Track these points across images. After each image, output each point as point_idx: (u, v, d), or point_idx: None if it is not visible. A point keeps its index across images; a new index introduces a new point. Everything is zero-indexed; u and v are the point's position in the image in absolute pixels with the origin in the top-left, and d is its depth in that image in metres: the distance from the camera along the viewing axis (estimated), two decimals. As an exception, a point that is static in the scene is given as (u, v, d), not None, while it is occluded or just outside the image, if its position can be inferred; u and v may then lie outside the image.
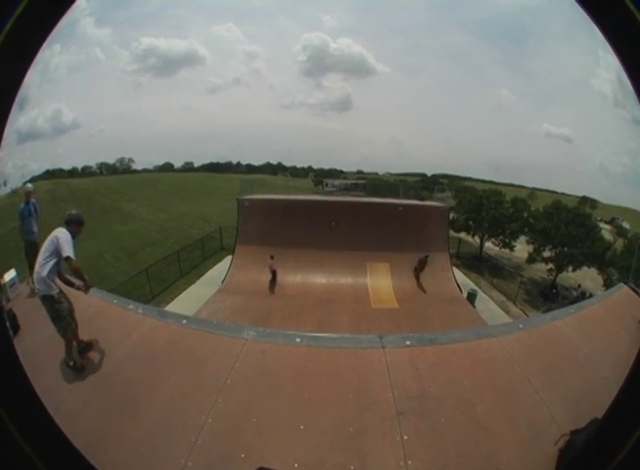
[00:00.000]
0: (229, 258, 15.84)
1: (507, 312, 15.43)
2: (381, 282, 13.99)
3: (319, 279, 14.03)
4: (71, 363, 4.54)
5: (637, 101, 1.92)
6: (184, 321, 5.24)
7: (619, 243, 20.50)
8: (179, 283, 16.62)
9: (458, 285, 14.84)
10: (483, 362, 4.79)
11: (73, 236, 4.51)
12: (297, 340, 4.81)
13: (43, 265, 4.40)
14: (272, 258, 13.88)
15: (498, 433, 3.95)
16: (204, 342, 4.85)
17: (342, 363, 4.58)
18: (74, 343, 4.64)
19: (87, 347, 4.77)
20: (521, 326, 5.56)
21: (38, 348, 4.64)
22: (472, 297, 14.57)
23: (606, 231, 22.72)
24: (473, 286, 16.01)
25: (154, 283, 15.82)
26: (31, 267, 6.26)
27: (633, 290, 7.28)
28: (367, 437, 3.80)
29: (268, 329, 5.15)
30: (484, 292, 16.32)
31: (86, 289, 4.54)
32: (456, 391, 4.36)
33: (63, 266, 4.62)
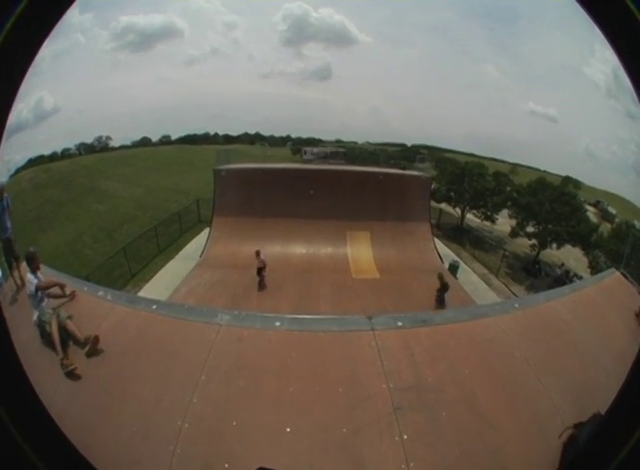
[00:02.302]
0: (207, 230, 15.44)
1: (489, 285, 15.38)
2: (361, 251, 13.82)
3: (298, 249, 13.79)
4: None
5: (637, 100, 1.91)
6: (154, 307, 4.92)
7: (605, 227, 20.64)
8: (158, 259, 16.27)
9: (440, 256, 14.72)
10: (482, 346, 4.60)
11: (34, 271, 5.14)
12: (277, 323, 4.46)
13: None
14: (258, 253, 12.17)
15: (502, 427, 3.76)
16: (175, 330, 4.53)
17: (329, 350, 4.26)
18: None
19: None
20: (516, 305, 5.41)
21: (26, 349, 4.39)
22: (453, 268, 14.45)
23: (590, 213, 22.82)
24: (454, 257, 15.90)
25: (132, 261, 15.43)
26: (10, 266, 6.18)
27: (625, 276, 7.30)
28: (362, 438, 3.51)
29: (244, 312, 4.81)
30: (466, 263, 16.25)
31: (63, 292, 5.22)
32: (456, 379, 4.13)
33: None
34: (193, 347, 4.27)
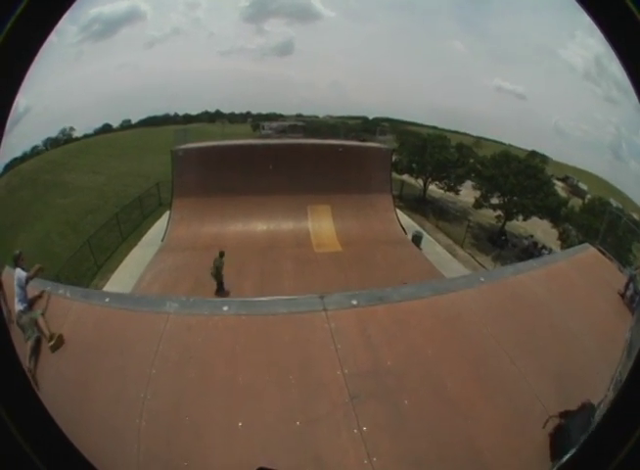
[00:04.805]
0: (168, 213, 15.16)
1: (454, 256, 15.47)
2: (322, 225, 13.79)
3: (260, 226, 13.68)
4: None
5: (637, 100, 1.90)
6: (107, 300, 4.80)
7: (575, 201, 20.92)
8: (122, 248, 15.95)
9: (402, 227, 14.80)
10: (446, 323, 4.32)
11: (24, 269, 5.17)
12: (225, 308, 4.31)
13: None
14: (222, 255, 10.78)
15: (475, 414, 3.50)
16: (127, 322, 4.41)
17: (279, 334, 4.04)
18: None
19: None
20: (482, 279, 5.15)
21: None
22: (417, 239, 14.54)
23: (559, 188, 23.18)
24: (417, 228, 15.96)
25: (97, 253, 15.06)
26: None
27: (602, 252, 7.14)
28: (318, 432, 3.27)
29: (192, 298, 4.68)
30: (430, 234, 16.36)
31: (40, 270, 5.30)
32: (418, 362, 3.84)
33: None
34: (144, 339, 4.13)
